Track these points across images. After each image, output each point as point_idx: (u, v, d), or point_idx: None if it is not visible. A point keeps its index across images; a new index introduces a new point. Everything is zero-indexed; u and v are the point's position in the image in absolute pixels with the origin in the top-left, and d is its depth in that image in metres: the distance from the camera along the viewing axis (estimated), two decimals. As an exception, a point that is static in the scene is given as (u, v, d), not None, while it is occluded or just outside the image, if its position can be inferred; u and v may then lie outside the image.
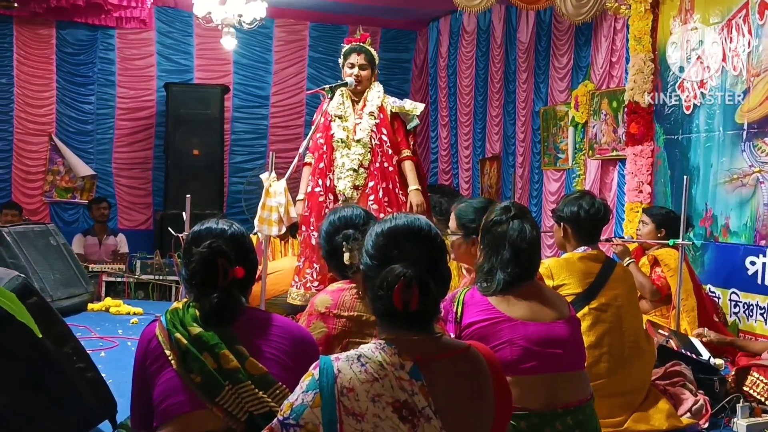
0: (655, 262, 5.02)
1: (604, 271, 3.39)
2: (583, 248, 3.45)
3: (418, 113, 4.87)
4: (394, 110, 4.82)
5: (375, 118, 4.77)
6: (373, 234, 1.81)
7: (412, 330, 1.72)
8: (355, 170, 4.71)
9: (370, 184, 4.70)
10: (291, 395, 1.67)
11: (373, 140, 4.74)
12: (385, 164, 4.74)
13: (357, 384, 1.61)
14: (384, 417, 1.59)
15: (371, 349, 1.68)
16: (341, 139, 4.76)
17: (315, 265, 4.65)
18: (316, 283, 4.62)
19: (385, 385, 1.62)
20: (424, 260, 1.74)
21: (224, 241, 2.20)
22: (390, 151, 4.75)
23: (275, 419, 1.65)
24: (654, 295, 4.91)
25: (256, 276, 2.36)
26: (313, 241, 4.63)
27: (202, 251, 2.14)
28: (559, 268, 3.36)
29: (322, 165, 4.80)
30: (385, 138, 4.75)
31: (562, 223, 3.52)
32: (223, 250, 2.15)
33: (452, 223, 3.23)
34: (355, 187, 4.70)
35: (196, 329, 2.09)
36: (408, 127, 4.84)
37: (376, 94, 4.83)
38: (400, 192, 4.71)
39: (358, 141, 4.74)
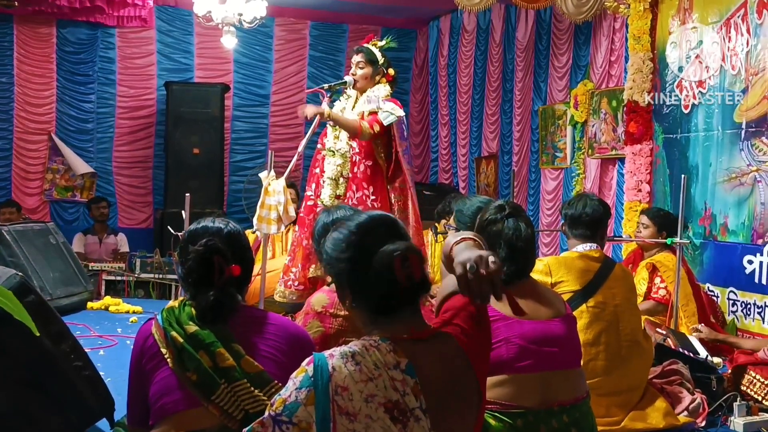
0: (653, 270, 4.96)
1: (602, 270, 3.39)
2: (582, 246, 3.46)
3: (397, 114, 4.61)
4: (367, 111, 4.66)
5: None
6: (338, 249, 1.79)
7: (408, 308, 1.74)
8: (334, 180, 4.70)
9: (348, 193, 4.67)
10: (283, 390, 1.65)
11: (352, 149, 4.70)
12: (359, 173, 4.68)
13: (351, 383, 1.60)
14: (376, 417, 1.59)
15: (365, 346, 1.67)
16: (329, 148, 4.77)
17: (299, 264, 4.71)
18: (296, 283, 4.70)
19: (378, 385, 1.61)
20: (398, 237, 1.77)
21: (220, 240, 2.20)
22: (358, 158, 4.68)
23: (266, 414, 1.63)
24: (660, 310, 4.83)
25: (253, 274, 2.37)
26: (305, 243, 4.69)
27: (199, 249, 2.14)
28: (558, 266, 3.37)
29: (317, 170, 4.83)
30: (355, 145, 4.68)
31: (563, 224, 3.57)
32: (219, 248, 2.16)
33: (452, 220, 3.27)
34: (337, 197, 4.67)
35: (192, 327, 2.10)
36: (384, 122, 4.60)
37: (365, 98, 4.74)
38: (373, 197, 4.62)
39: (337, 151, 4.73)
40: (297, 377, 1.65)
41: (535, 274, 3.01)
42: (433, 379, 1.66)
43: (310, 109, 4.57)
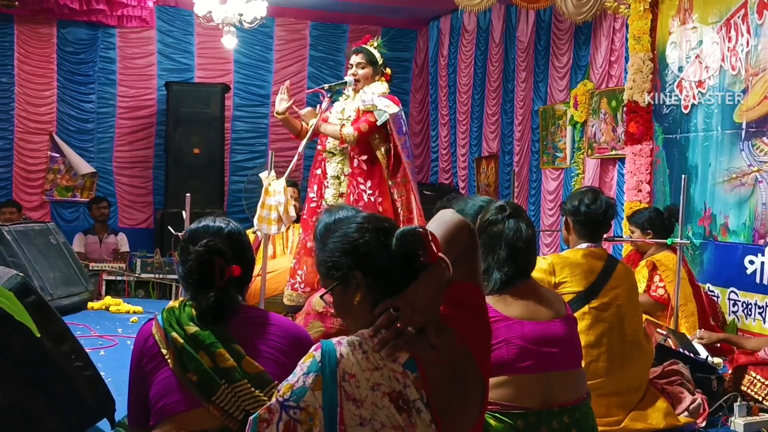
0: (653, 268, 4.96)
1: (606, 269, 3.38)
2: (585, 245, 3.43)
3: (390, 112, 4.66)
4: (362, 108, 4.71)
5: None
6: (344, 245, 1.78)
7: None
8: (337, 178, 4.74)
9: (349, 189, 4.71)
10: (290, 376, 1.64)
11: (349, 146, 4.73)
12: (356, 169, 4.72)
13: (358, 371, 1.61)
14: (381, 406, 1.59)
15: (371, 336, 1.66)
16: (329, 149, 4.80)
17: (304, 267, 4.75)
18: (303, 285, 4.74)
19: (384, 374, 1.62)
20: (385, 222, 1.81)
21: (221, 240, 2.20)
22: (353, 154, 4.74)
23: (273, 400, 1.62)
24: (657, 309, 4.84)
25: (254, 274, 2.37)
26: (309, 245, 4.70)
27: (199, 249, 2.14)
28: (561, 266, 3.34)
29: (318, 171, 4.85)
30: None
31: (565, 216, 3.53)
32: (219, 249, 2.15)
33: None
34: (341, 195, 4.72)
35: (193, 328, 2.10)
36: (378, 122, 4.66)
37: (361, 96, 4.77)
38: (370, 191, 4.67)
39: (337, 149, 4.75)
40: (304, 362, 1.64)
41: (538, 273, 3.00)
42: (435, 374, 1.66)
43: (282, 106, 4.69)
